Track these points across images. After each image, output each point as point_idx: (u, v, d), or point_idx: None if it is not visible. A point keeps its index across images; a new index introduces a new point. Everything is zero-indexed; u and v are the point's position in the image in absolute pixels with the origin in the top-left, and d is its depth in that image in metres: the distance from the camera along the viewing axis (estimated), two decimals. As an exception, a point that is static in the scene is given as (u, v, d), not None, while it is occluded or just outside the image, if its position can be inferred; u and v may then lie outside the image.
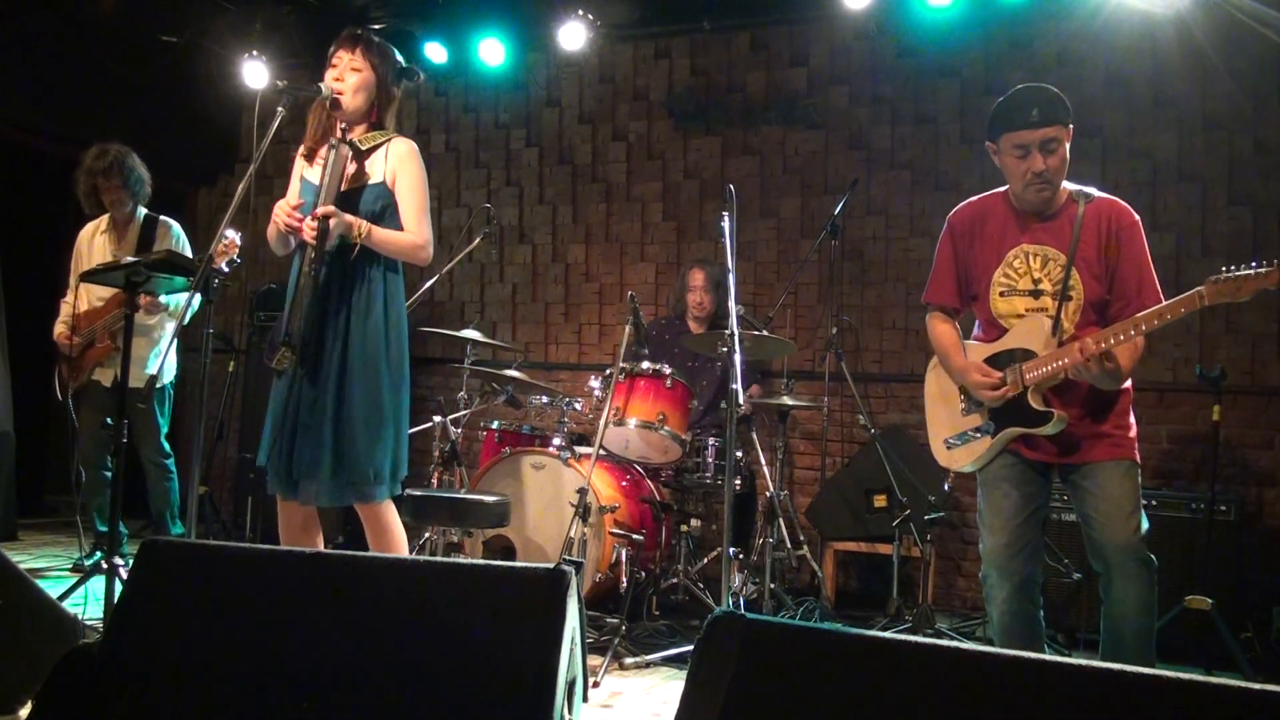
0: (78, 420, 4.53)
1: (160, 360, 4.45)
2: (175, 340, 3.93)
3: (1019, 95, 2.77)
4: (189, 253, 4.53)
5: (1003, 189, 2.92)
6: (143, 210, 4.70)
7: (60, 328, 4.57)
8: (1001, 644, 2.82)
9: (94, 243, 4.69)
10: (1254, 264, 2.40)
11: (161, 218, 4.70)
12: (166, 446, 4.75)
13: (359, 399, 2.93)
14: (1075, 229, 2.75)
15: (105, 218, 4.70)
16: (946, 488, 4.42)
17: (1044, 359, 2.71)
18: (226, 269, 3.43)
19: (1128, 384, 2.81)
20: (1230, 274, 2.41)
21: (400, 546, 3.10)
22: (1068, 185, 2.82)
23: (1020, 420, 2.77)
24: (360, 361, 2.95)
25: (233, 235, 3.40)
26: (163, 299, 4.43)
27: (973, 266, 2.93)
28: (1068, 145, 2.75)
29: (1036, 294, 2.80)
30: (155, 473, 4.69)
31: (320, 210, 2.88)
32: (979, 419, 2.88)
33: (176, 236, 4.69)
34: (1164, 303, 2.56)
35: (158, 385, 4.55)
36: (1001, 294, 2.85)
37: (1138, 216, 2.79)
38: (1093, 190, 2.82)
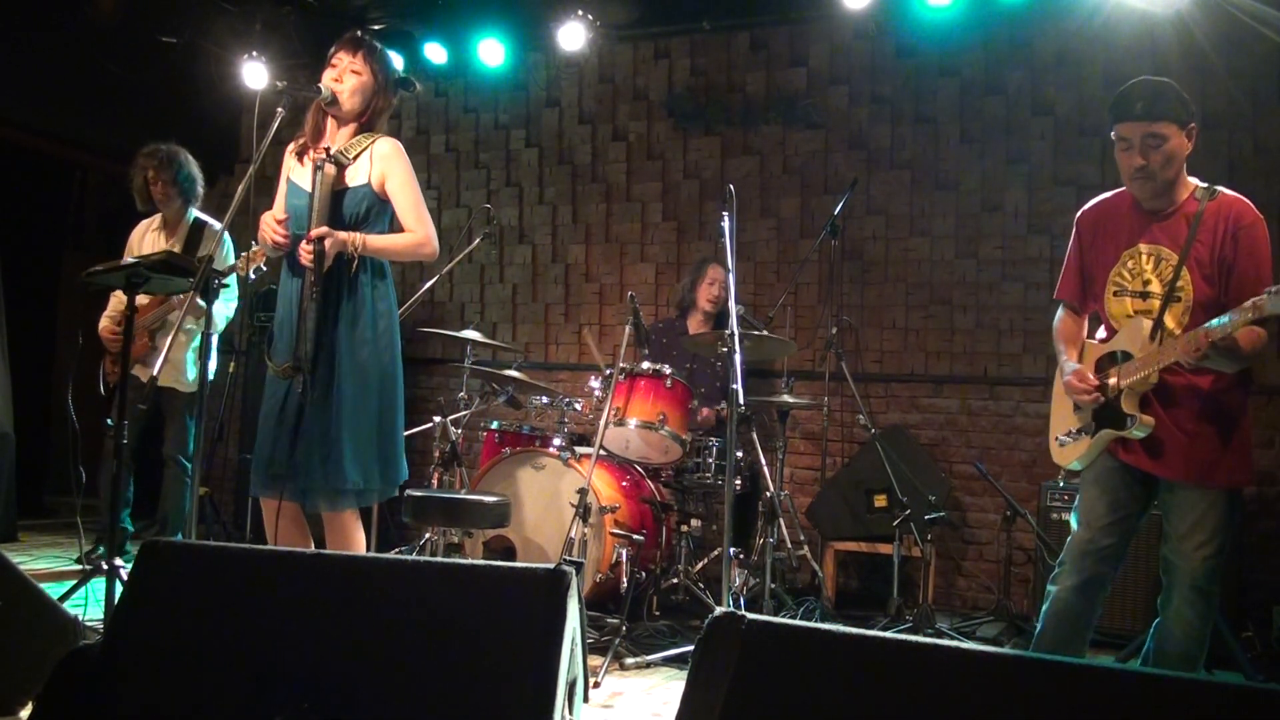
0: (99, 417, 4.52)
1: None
2: (207, 345, 3.85)
3: (1132, 87, 2.72)
4: (233, 259, 4.54)
5: None
6: (194, 212, 4.72)
7: (105, 322, 4.59)
8: (1044, 626, 2.84)
9: (144, 240, 4.71)
10: None
11: (211, 223, 4.72)
12: (191, 450, 4.74)
13: (346, 409, 2.93)
14: (1192, 228, 2.69)
15: (158, 216, 4.73)
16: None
17: (1137, 362, 2.69)
18: (254, 275, 3.44)
19: (1241, 392, 2.72)
20: None
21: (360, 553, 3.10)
22: (1195, 182, 2.76)
23: (1112, 422, 2.75)
24: (347, 370, 2.96)
25: (261, 245, 3.41)
26: (201, 303, 4.45)
27: (1094, 265, 2.91)
28: (1181, 142, 2.67)
29: (1145, 295, 2.76)
30: (175, 472, 4.67)
31: (315, 233, 2.89)
32: (1083, 419, 2.87)
33: (223, 242, 4.69)
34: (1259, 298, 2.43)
35: (187, 390, 4.59)
36: (1115, 294, 2.83)
37: (1260, 215, 2.70)
38: (1219, 188, 2.74)
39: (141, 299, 4.52)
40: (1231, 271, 2.67)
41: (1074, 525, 2.86)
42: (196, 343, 4.63)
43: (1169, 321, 2.71)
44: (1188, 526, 2.67)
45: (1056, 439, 2.97)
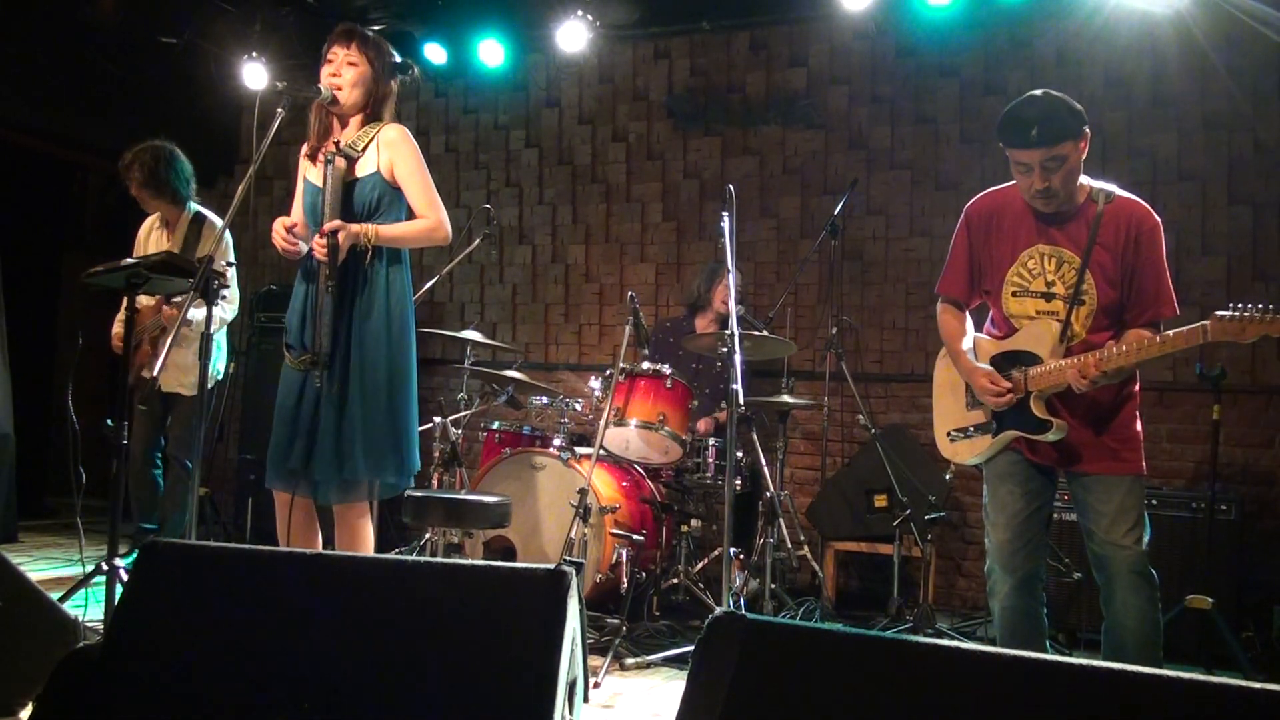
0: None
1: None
2: (207, 346, 3.73)
3: (1019, 111, 2.66)
4: (232, 254, 4.50)
5: None
6: (194, 207, 4.66)
7: (118, 328, 4.55)
8: (1003, 639, 2.82)
9: (149, 238, 4.68)
10: (1260, 305, 2.38)
11: (210, 217, 4.64)
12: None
13: (360, 402, 2.96)
14: (1092, 231, 2.69)
15: (159, 214, 4.69)
16: (947, 477, 4.43)
17: (1049, 367, 2.69)
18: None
19: (1135, 387, 2.80)
20: (1236, 314, 2.38)
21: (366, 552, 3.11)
22: (1088, 182, 2.75)
23: (1021, 425, 2.76)
24: (360, 363, 2.97)
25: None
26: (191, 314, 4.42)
27: (986, 262, 2.89)
28: (1079, 154, 2.66)
29: (1049, 296, 2.76)
30: (178, 473, 4.60)
31: (328, 227, 2.91)
32: (982, 416, 2.87)
33: (223, 241, 4.64)
34: (1170, 333, 2.53)
35: (190, 394, 4.53)
36: (1014, 294, 2.81)
37: (1159, 219, 2.73)
38: (1114, 189, 2.75)
39: (145, 303, 4.51)
40: (1134, 275, 2.71)
41: (989, 528, 2.85)
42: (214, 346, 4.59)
43: (1074, 324, 2.73)
44: (1111, 516, 2.68)
45: (947, 434, 2.98)
